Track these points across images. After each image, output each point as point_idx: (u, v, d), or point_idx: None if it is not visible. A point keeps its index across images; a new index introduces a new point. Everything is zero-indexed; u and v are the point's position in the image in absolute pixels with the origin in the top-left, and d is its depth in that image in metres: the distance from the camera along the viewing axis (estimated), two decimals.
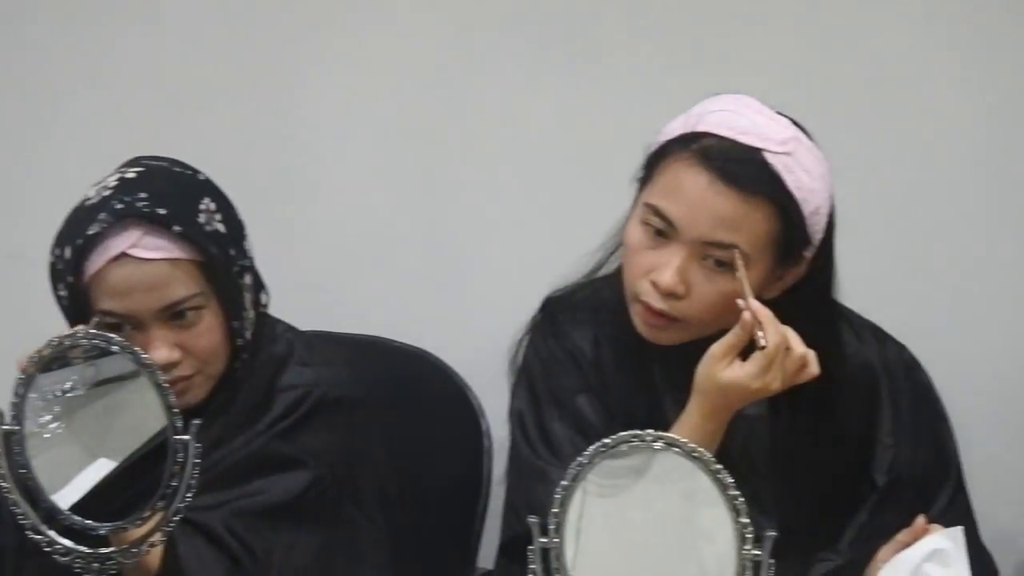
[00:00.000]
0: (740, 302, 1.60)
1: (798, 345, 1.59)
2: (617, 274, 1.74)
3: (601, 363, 1.74)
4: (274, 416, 1.72)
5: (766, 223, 1.63)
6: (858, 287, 1.79)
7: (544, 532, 1.39)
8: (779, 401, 1.67)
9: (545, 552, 1.39)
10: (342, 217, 2.29)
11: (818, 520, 1.72)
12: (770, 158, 1.63)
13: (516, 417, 1.75)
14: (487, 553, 1.94)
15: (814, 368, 1.60)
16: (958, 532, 1.42)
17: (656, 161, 1.68)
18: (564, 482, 1.40)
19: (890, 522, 1.67)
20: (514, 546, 1.68)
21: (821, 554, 1.71)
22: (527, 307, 1.81)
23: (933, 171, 2.20)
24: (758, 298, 1.63)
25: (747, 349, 1.61)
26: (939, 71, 2.19)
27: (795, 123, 1.68)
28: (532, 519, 1.39)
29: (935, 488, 1.76)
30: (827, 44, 2.19)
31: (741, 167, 1.62)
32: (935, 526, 1.54)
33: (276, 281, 1.79)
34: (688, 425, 1.61)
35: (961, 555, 1.41)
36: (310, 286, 2.22)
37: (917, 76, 2.19)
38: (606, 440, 1.39)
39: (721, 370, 1.59)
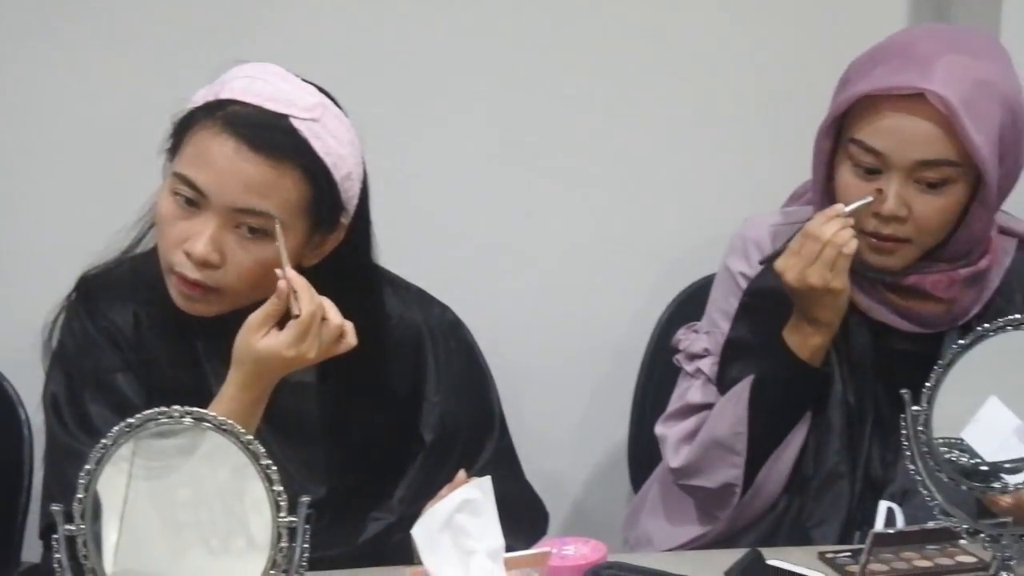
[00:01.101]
0: (278, 271, 1.59)
1: (335, 316, 1.60)
2: (155, 249, 1.70)
3: (142, 340, 1.70)
4: None
5: (297, 189, 1.63)
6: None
7: (70, 518, 1.34)
8: (328, 367, 1.68)
9: (72, 540, 1.34)
10: None
11: (372, 480, 1.75)
12: (297, 124, 1.63)
13: (50, 400, 1.69)
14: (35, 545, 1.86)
15: (351, 339, 1.61)
16: (486, 482, 1.47)
17: (182, 131, 1.65)
18: (88, 466, 1.35)
19: (440, 477, 1.71)
20: (52, 534, 1.62)
21: (374, 514, 1.74)
22: (62, 288, 1.74)
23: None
24: (297, 267, 1.63)
25: (287, 318, 1.60)
26: None
27: (322, 90, 1.68)
28: (55, 507, 1.34)
29: (480, 441, 1.82)
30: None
31: (268, 133, 1.61)
32: (482, 479, 1.58)
33: None
34: (227, 397, 1.59)
35: (490, 503, 1.46)
36: None
37: None
38: (130, 420, 1.35)
39: (257, 340, 1.57)
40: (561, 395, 2.35)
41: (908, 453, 1.63)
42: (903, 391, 1.63)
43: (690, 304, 2.11)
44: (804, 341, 1.86)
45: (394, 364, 1.76)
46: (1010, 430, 1.69)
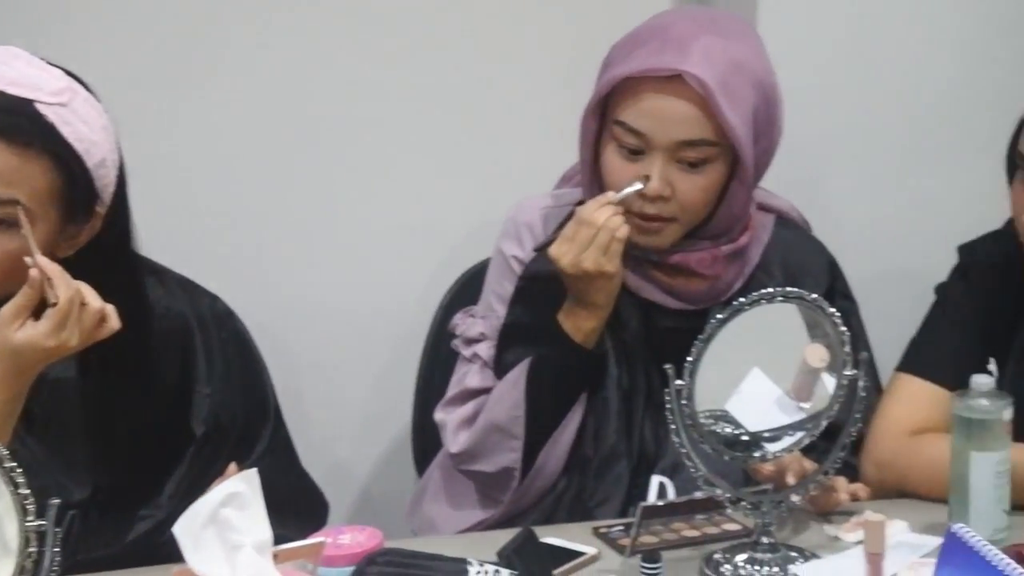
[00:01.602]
0: (28, 260, 1.54)
1: (94, 299, 1.55)
2: None
3: None
4: None
5: (45, 177, 1.57)
6: None
7: None
8: (89, 360, 1.63)
9: None
10: None
11: (140, 478, 1.70)
12: (43, 109, 1.57)
13: None
14: None
15: (114, 322, 1.57)
16: (253, 474, 1.45)
17: None
18: None
19: (213, 471, 1.67)
20: None
21: (143, 512, 1.69)
22: None
23: None
24: (52, 258, 1.57)
25: (43, 308, 1.55)
26: None
27: (71, 74, 1.63)
28: None
29: (255, 432, 1.79)
30: None
31: (11, 119, 1.55)
32: (249, 471, 1.55)
33: None
34: None
35: (257, 496, 1.44)
36: None
37: None
38: None
39: (12, 333, 1.52)
40: (344, 383, 2.34)
41: (673, 427, 1.67)
42: (666, 366, 1.66)
43: (470, 288, 2.12)
44: (578, 325, 1.89)
45: (160, 356, 1.72)
46: (771, 400, 1.75)
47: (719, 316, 1.67)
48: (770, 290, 1.68)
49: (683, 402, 1.67)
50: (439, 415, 1.98)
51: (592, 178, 1.92)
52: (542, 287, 1.93)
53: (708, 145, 1.84)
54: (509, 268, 1.98)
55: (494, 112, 2.33)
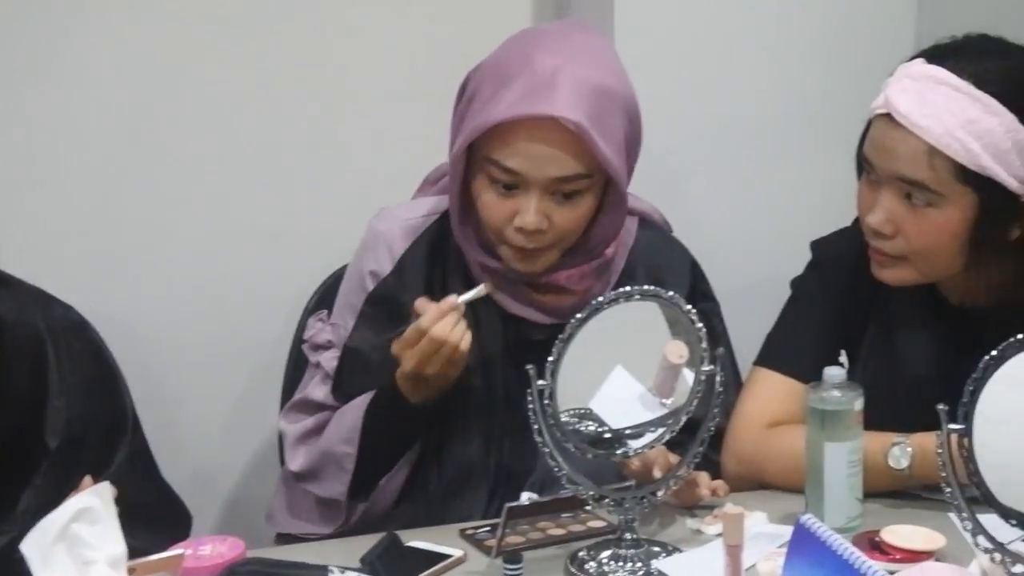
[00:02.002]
0: None
1: None
2: None
3: None
4: None
5: None
6: None
7: None
8: None
9: None
10: None
11: None
12: None
13: None
14: None
15: None
16: (105, 487, 1.42)
17: None
18: None
19: (69, 485, 1.63)
20: None
21: None
22: None
23: None
24: None
25: None
26: None
27: None
28: None
29: (112, 444, 1.76)
30: None
31: None
32: (101, 485, 1.52)
33: None
34: None
35: (109, 510, 1.41)
36: None
37: None
38: None
39: None
40: (209, 389, 2.30)
41: (536, 427, 1.67)
42: (528, 367, 1.67)
43: (334, 292, 2.10)
44: (417, 389, 1.85)
45: (10, 369, 1.68)
46: (635, 397, 1.76)
47: (578, 315, 1.68)
48: (628, 288, 1.69)
49: (545, 402, 1.67)
50: (282, 423, 1.96)
51: (461, 205, 1.89)
52: (387, 313, 1.91)
53: (583, 178, 1.83)
54: (362, 282, 1.95)
55: (356, 114, 2.31)
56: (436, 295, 1.86)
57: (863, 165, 1.84)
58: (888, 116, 1.78)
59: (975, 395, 1.54)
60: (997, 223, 1.79)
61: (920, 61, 1.80)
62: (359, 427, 1.87)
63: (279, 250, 2.30)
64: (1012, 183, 1.76)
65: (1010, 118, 1.75)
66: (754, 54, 2.31)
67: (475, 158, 1.86)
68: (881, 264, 1.83)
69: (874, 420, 1.77)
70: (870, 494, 1.76)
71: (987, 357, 1.54)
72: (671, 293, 1.70)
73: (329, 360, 1.94)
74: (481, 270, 1.89)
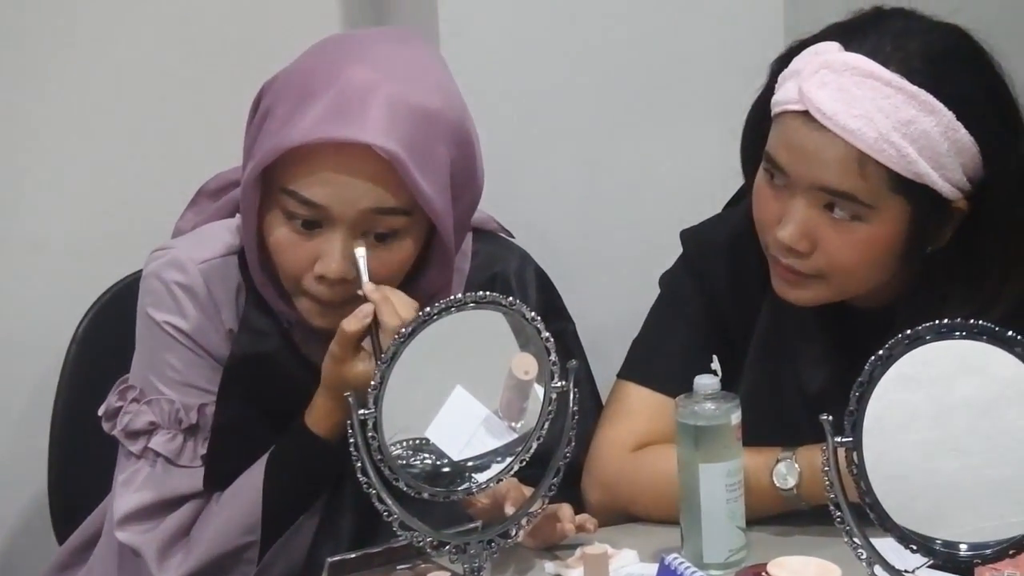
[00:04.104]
0: None
1: None
2: None
3: None
4: None
5: None
6: None
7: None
8: None
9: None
10: None
11: None
12: None
13: None
14: None
15: None
16: None
17: None
18: None
19: None
20: None
21: None
22: None
23: None
24: None
25: None
26: None
27: None
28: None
29: None
30: None
31: None
32: None
33: None
34: None
35: None
36: None
37: None
38: None
39: None
40: None
41: (358, 464, 1.42)
42: (347, 394, 1.42)
43: (111, 316, 1.84)
44: (328, 417, 1.59)
45: None
46: (479, 423, 1.52)
47: (401, 330, 1.44)
48: (459, 296, 1.45)
49: (370, 434, 1.43)
50: (125, 535, 1.62)
51: (258, 247, 1.60)
52: (253, 371, 1.62)
53: (400, 214, 1.56)
54: (168, 338, 1.63)
55: (153, 117, 2.06)
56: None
57: (766, 167, 1.58)
58: (804, 114, 1.53)
59: (862, 401, 1.32)
60: (927, 233, 1.56)
61: (836, 47, 1.54)
62: (259, 508, 1.58)
63: (50, 262, 2.02)
64: (945, 188, 1.53)
65: (948, 116, 1.51)
66: (586, 45, 2.07)
67: (269, 188, 1.57)
68: (790, 284, 1.58)
69: (759, 435, 1.56)
70: (755, 521, 1.55)
71: (873, 358, 1.31)
72: (511, 299, 1.45)
73: (165, 443, 1.62)
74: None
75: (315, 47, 1.63)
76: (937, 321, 1.32)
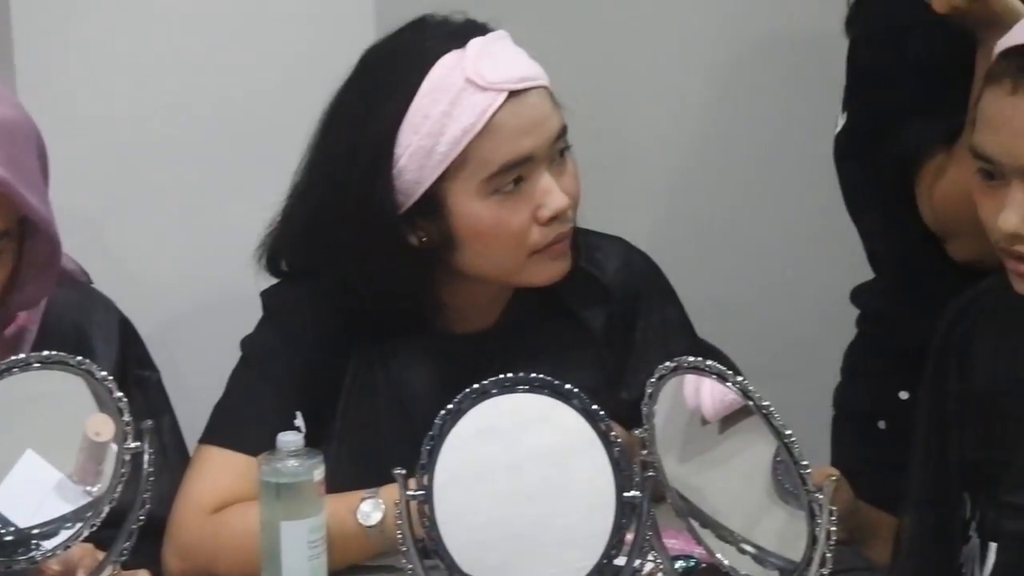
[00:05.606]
0: None
1: None
2: None
3: None
4: None
5: None
6: None
7: None
8: None
9: None
10: None
11: None
12: None
13: None
14: None
15: None
16: None
17: None
18: None
19: None
20: None
21: None
22: None
23: None
24: None
25: None
26: None
27: None
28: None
29: None
30: None
31: None
32: None
33: None
34: None
35: None
36: None
37: None
38: None
39: None
40: None
41: None
42: None
43: None
44: None
45: None
46: (50, 487, 1.46)
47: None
48: (23, 356, 1.38)
49: None
50: None
51: None
52: None
53: (4, 237, 1.51)
54: None
55: None
56: None
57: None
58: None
59: (433, 455, 1.33)
60: None
61: None
62: None
63: None
64: None
65: None
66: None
67: None
68: None
69: (360, 482, 1.55)
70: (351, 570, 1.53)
71: (443, 411, 1.33)
72: (79, 358, 1.40)
73: None
74: None
75: None
76: (501, 376, 1.35)
